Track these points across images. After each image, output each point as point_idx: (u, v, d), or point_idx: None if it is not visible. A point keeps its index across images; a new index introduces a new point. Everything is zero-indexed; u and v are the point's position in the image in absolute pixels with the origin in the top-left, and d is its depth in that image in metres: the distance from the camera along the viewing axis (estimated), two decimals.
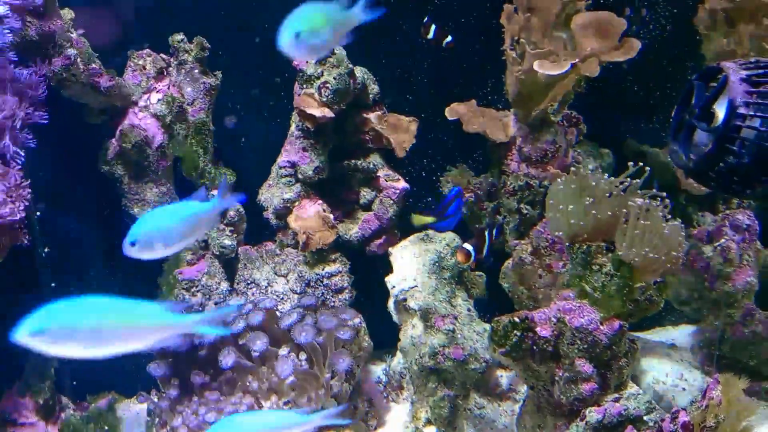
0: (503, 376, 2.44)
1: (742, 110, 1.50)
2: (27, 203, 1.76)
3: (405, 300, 2.32)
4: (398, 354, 2.37)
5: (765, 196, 1.73)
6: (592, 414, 1.81)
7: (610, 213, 1.95)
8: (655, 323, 2.71)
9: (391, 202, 2.42)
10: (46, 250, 2.16)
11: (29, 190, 1.79)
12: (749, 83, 1.50)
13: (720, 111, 1.57)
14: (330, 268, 2.34)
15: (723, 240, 2.21)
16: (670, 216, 1.93)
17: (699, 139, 1.64)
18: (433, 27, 2.23)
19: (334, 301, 2.32)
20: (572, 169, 2.15)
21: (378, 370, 2.44)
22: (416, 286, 2.34)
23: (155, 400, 2.06)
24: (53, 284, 2.21)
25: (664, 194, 1.93)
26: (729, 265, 2.21)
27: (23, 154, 1.80)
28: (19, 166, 1.79)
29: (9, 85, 1.82)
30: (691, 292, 2.30)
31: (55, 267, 2.21)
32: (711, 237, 2.24)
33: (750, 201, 2.35)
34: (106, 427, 1.97)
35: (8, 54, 1.77)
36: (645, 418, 1.82)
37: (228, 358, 2.04)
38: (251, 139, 2.46)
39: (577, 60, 2.17)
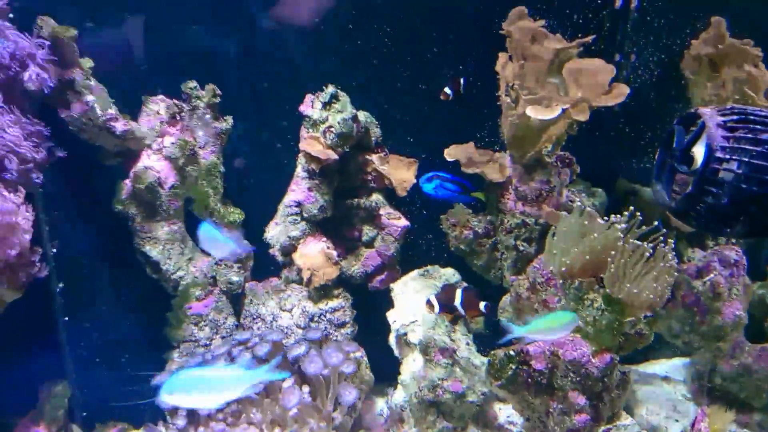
0: (501, 409, 2.40)
1: (719, 154, 1.55)
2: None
3: (405, 334, 2.34)
4: (399, 387, 2.36)
5: (743, 234, 1.78)
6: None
7: (601, 251, 1.96)
8: (649, 356, 2.70)
9: (393, 239, 2.46)
10: (60, 285, 2.20)
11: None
12: (725, 128, 1.58)
13: (699, 154, 1.64)
14: (333, 303, 2.37)
15: (712, 275, 2.22)
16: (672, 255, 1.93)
17: (680, 181, 1.71)
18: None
19: (336, 336, 2.34)
20: (574, 203, 2.23)
21: (380, 402, 2.44)
22: (416, 320, 2.36)
23: (162, 430, 2.04)
24: (66, 318, 2.21)
25: (664, 231, 1.94)
26: (718, 299, 2.22)
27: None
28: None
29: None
30: (682, 326, 2.30)
31: (69, 301, 2.21)
32: (700, 272, 2.24)
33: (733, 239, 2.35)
34: None
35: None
36: None
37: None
38: (258, 179, 2.48)
39: (568, 105, 2.19)
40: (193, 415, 2.02)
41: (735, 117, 1.57)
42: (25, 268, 1.61)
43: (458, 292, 2.07)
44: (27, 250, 1.68)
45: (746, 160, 1.52)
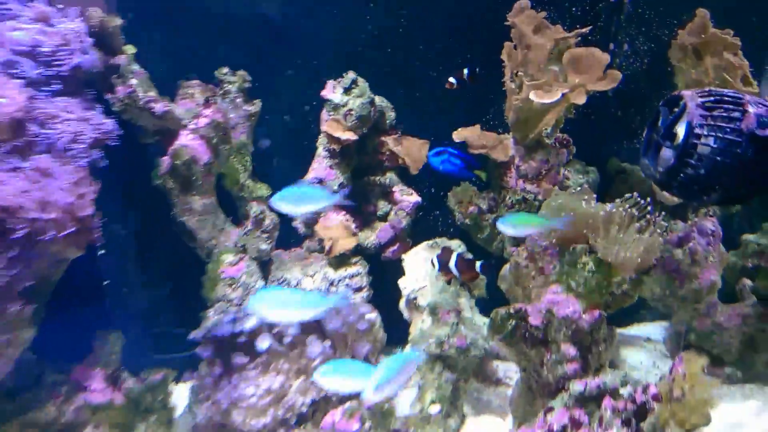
0: (498, 366, 2.52)
1: (698, 131, 1.66)
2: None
3: (415, 299, 2.42)
4: (408, 346, 2.43)
5: (718, 201, 1.87)
6: (575, 386, 1.88)
7: (593, 221, 2.05)
8: (633, 320, 2.80)
9: (405, 213, 2.54)
10: (102, 251, 2.29)
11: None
12: (704, 108, 1.68)
13: (681, 131, 1.74)
14: (351, 270, 2.45)
15: (691, 244, 2.30)
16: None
17: (664, 155, 1.81)
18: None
19: (354, 298, 2.41)
20: (569, 180, 2.33)
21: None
22: (425, 286, 2.43)
23: (202, 377, 2.11)
24: (108, 280, 2.27)
25: (648, 199, 2.02)
26: (696, 266, 2.29)
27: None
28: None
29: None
30: (663, 290, 2.37)
31: (110, 267, 2.25)
32: (681, 241, 2.32)
33: (712, 208, 2.42)
34: (160, 397, 2.05)
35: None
36: (620, 390, 1.87)
37: (264, 343, 2.09)
38: (283, 158, 2.55)
39: (567, 90, 2.26)
40: (227, 364, 2.11)
41: (712, 98, 1.67)
42: (89, 231, 1.73)
43: (453, 256, 2.17)
44: (91, 216, 1.79)
45: (721, 135, 1.63)
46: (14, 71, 1.69)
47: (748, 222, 2.50)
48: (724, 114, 1.64)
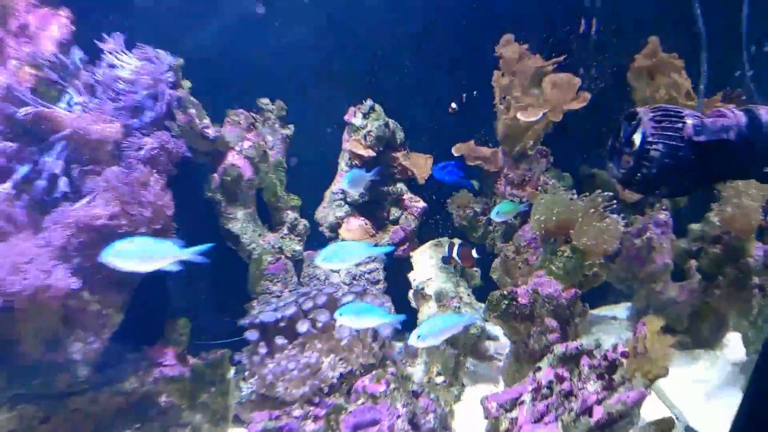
0: (491, 345, 2.64)
1: (650, 139, 1.90)
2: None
3: (423, 289, 2.55)
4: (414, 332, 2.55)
5: (667, 195, 2.09)
6: (558, 348, 1.97)
7: (569, 215, 2.22)
8: (603, 302, 2.92)
9: (413, 217, 2.69)
10: None
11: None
12: (654, 121, 1.93)
13: (637, 140, 1.98)
14: (370, 266, 2.58)
15: (648, 234, 2.45)
16: (620, 215, 2.22)
17: (625, 160, 2.04)
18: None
19: (372, 290, 2.53)
20: (548, 185, 2.47)
21: (398, 345, 2.57)
22: (431, 278, 2.56)
23: (250, 357, 2.23)
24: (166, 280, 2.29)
25: (611, 194, 2.20)
26: (652, 251, 2.45)
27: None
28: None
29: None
30: (626, 273, 2.51)
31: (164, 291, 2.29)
32: (639, 232, 2.47)
33: (664, 203, 2.54)
34: (219, 372, 2.17)
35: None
36: (594, 351, 1.97)
37: (303, 327, 2.21)
38: (310, 173, 2.67)
39: (546, 110, 2.41)
40: (270, 344, 2.23)
41: (660, 113, 1.89)
42: (170, 229, 1.89)
43: (455, 246, 2.36)
44: (171, 216, 1.92)
45: (667, 142, 1.87)
46: (119, 104, 1.85)
47: (695, 213, 2.57)
48: (670, 125, 1.89)
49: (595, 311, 2.87)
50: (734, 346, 2.55)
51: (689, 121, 1.88)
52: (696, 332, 2.59)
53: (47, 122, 1.64)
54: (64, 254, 1.64)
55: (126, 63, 1.78)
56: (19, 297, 1.51)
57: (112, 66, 1.78)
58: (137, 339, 2.08)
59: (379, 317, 1.84)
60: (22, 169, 1.53)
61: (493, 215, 2.28)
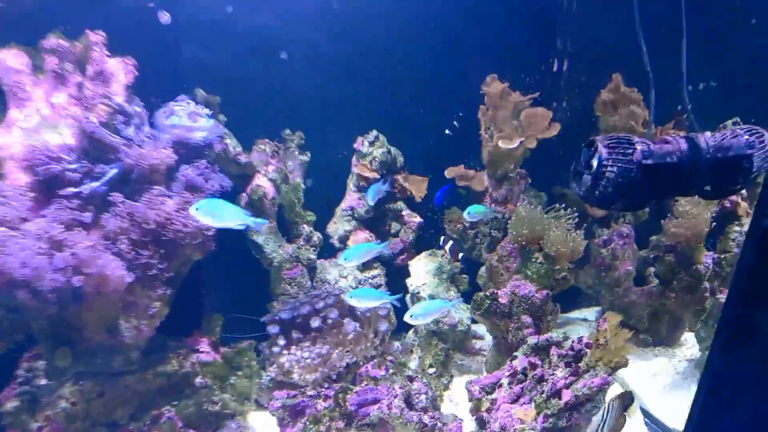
0: (476, 343, 2.73)
1: (605, 162, 2.02)
2: None
3: (418, 292, 2.65)
4: (410, 332, 2.63)
5: (622, 209, 2.20)
6: (531, 340, 2.07)
7: (541, 228, 2.36)
8: (575, 307, 2.98)
9: (411, 231, 2.79)
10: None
11: None
12: (608, 147, 2.10)
13: (595, 163, 2.15)
14: (373, 272, 2.69)
15: (612, 244, 2.56)
16: (580, 226, 2.36)
17: (585, 180, 2.19)
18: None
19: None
20: (519, 204, 2.56)
21: (396, 344, 2.65)
22: (426, 283, 2.67)
23: (270, 348, 2.33)
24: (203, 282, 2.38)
25: (573, 208, 2.34)
26: (616, 260, 2.54)
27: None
28: None
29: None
30: (593, 279, 2.60)
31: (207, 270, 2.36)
32: (605, 243, 2.57)
33: (627, 215, 2.64)
34: (245, 359, 2.29)
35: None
36: (562, 343, 2.06)
37: (315, 323, 2.32)
38: (323, 193, 2.76)
39: (523, 138, 2.53)
40: (288, 337, 2.34)
41: (614, 140, 2.03)
42: (209, 242, 2.01)
43: (450, 243, 2.51)
44: (211, 232, 2.06)
45: (620, 165, 2.01)
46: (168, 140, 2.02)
47: (655, 226, 2.64)
48: (622, 151, 2.04)
49: (567, 314, 2.94)
50: (690, 344, 2.63)
51: (638, 147, 2.02)
52: (655, 331, 2.66)
53: (113, 150, 1.87)
54: (121, 254, 1.85)
55: (184, 117, 1.97)
56: (89, 283, 1.69)
57: (170, 114, 1.98)
58: (178, 329, 2.20)
59: (381, 298, 2.00)
60: (93, 184, 1.75)
61: (465, 215, 2.39)
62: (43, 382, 2.00)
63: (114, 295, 1.81)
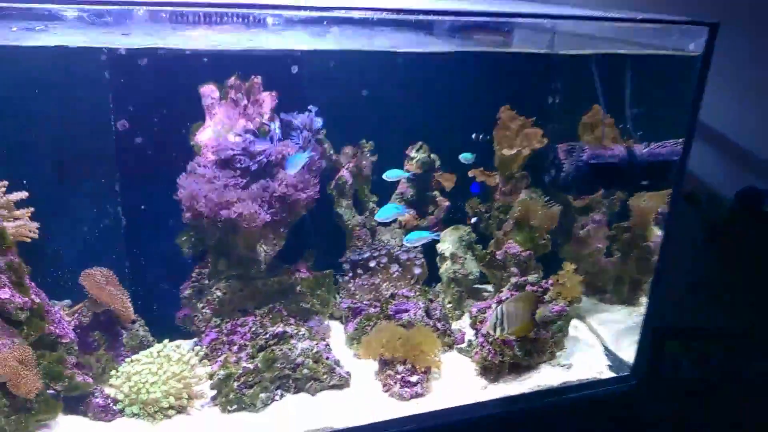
0: (485, 294, 3.01)
1: (563, 158, 2.61)
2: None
3: (443, 253, 2.97)
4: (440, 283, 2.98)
5: (577, 193, 2.54)
6: (513, 279, 2.44)
7: (533, 210, 2.78)
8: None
9: (442, 211, 3.07)
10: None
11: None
12: (566, 152, 2.62)
13: (557, 162, 2.70)
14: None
15: (588, 227, 2.87)
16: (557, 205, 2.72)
17: (551, 173, 2.77)
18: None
19: (415, 253, 2.93)
20: (520, 197, 2.97)
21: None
22: (450, 247, 3.01)
23: (342, 277, 2.67)
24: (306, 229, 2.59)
25: (548, 197, 2.67)
26: (590, 238, 2.84)
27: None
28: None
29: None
30: (573, 253, 2.89)
31: (308, 224, 2.61)
32: (583, 225, 2.86)
33: (602, 205, 2.87)
34: (327, 280, 2.64)
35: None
36: (534, 283, 2.41)
37: (372, 264, 2.68)
38: (384, 184, 3.02)
39: (521, 148, 2.88)
40: (354, 272, 2.70)
41: (571, 147, 2.53)
42: (310, 205, 2.50)
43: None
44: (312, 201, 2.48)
45: (571, 163, 2.58)
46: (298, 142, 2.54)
47: (623, 214, 2.91)
48: (575, 154, 2.56)
49: None
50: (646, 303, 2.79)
51: (588, 151, 2.59)
52: (619, 292, 2.94)
53: (261, 145, 2.53)
54: (261, 206, 2.60)
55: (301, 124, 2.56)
56: (242, 219, 2.38)
57: (297, 129, 2.55)
58: (288, 257, 2.57)
59: (426, 236, 2.51)
60: (250, 163, 2.57)
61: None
62: (206, 281, 2.62)
63: (255, 229, 2.29)
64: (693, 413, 2.57)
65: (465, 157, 2.78)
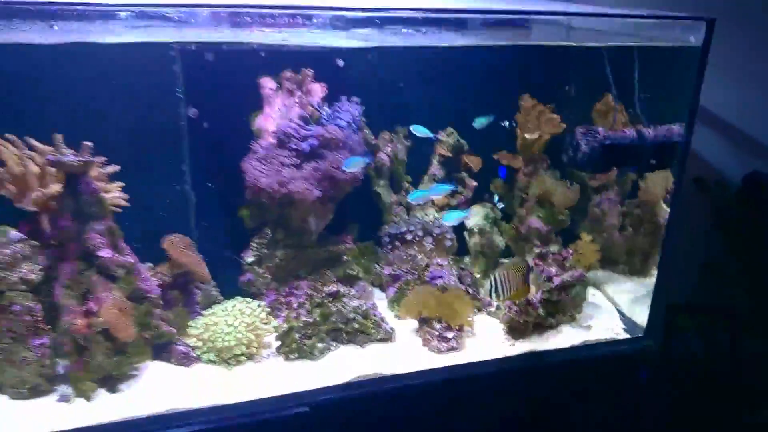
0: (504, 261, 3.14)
1: (580, 140, 2.74)
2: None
3: (472, 228, 3.13)
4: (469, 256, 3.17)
5: (593, 170, 2.68)
6: (536, 249, 2.60)
7: (552, 189, 2.98)
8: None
9: (470, 190, 3.22)
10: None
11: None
12: (583, 134, 2.76)
13: (575, 143, 2.82)
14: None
15: (602, 205, 2.92)
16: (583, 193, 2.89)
17: (570, 153, 2.90)
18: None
19: (446, 228, 3.06)
20: (539, 177, 3.15)
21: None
22: (478, 222, 3.17)
23: (382, 248, 2.74)
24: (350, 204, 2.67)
25: (569, 180, 2.77)
26: (605, 215, 2.98)
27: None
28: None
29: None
30: (590, 229, 3.00)
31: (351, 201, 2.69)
32: (598, 204, 3.01)
33: (615, 185, 3.00)
34: (370, 251, 2.75)
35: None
36: (555, 251, 2.53)
37: (409, 237, 2.71)
38: (418, 165, 3.19)
39: (540, 133, 3.01)
40: (392, 245, 2.77)
41: (587, 129, 2.69)
42: (355, 181, 2.64)
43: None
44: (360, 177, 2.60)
45: (591, 142, 2.71)
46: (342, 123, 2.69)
47: (634, 193, 3.04)
48: (591, 136, 2.74)
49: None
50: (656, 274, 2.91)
51: (602, 133, 2.75)
52: (631, 264, 3.06)
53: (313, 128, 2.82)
54: (313, 183, 2.81)
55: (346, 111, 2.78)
56: (297, 194, 2.55)
57: (337, 112, 2.74)
58: (335, 229, 2.65)
59: (462, 216, 2.71)
60: (302, 145, 2.77)
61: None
62: (265, 250, 2.66)
63: (307, 203, 2.44)
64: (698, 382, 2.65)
65: (480, 122, 2.80)
